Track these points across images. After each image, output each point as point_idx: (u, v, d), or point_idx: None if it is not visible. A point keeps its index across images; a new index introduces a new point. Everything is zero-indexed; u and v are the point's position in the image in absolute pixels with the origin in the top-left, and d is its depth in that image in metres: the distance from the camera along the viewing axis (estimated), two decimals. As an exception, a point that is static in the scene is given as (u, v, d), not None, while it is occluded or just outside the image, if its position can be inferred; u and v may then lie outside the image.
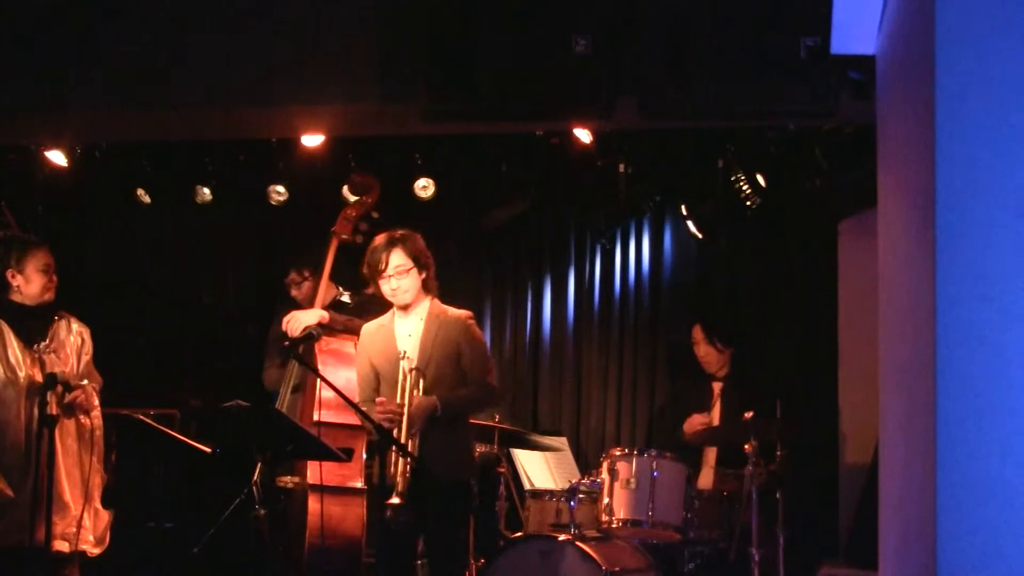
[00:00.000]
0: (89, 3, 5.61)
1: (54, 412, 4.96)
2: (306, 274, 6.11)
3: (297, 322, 5.63)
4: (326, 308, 5.83)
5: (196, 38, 5.51)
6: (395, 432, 4.92)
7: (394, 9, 5.40)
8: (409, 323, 5.14)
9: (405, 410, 4.92)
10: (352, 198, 6.29)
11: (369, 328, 5.25)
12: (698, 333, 6.48)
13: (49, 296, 5.32)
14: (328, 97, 5.57)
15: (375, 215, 6.08)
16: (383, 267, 5.05)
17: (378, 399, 5.02)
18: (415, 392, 5.00)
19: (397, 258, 5.05)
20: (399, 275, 5.05)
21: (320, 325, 5.52)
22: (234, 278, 7.43)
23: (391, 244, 5.07)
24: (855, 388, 6.53)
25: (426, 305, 5.15)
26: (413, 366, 5.02)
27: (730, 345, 6.45)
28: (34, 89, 5.60)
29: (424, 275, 5.11)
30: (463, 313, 5.22)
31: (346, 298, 5.98)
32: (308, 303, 6.05)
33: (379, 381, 5.14)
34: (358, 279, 6.11)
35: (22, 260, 5.27)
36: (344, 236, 5.99)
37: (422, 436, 4.98)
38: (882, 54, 3.51)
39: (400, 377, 5.02)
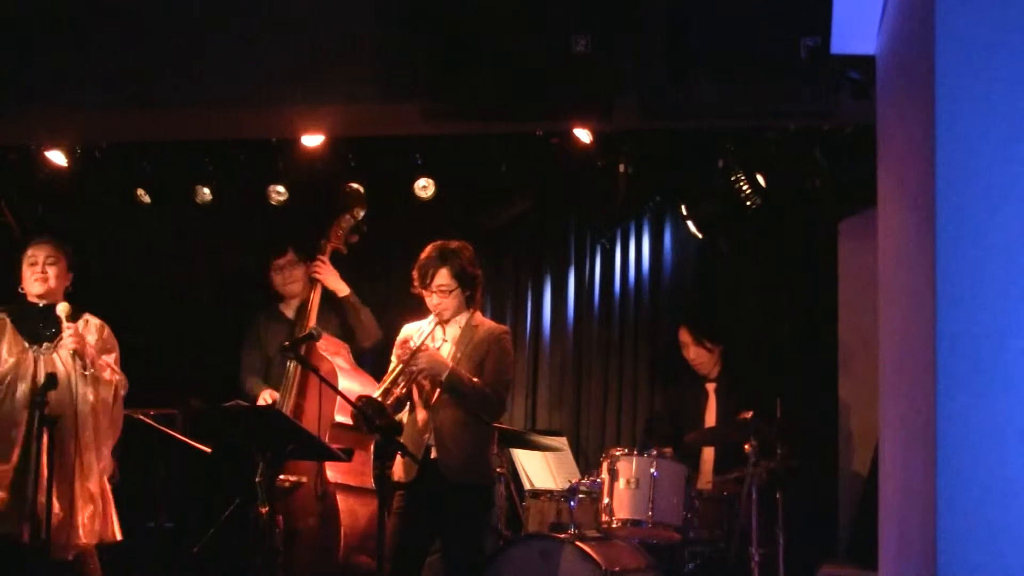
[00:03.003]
0: (89, 3, 5.60)
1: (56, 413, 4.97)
2: (302, 256, 6.23)
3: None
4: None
5: (196, 38, 5.52)
6: (400, 370, 5.02)
7: (394, 9, 5.40)
8: (448, 330, 5.27)
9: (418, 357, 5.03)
10: (345, 207, 6.40)
11: (409, 329, 5.33)
12: (685, 335, 6.46)
13: (41, 289, 5.34)
14: (328, 97, 5.58)
15: (364, 229, 6.34)
16: (428, 281, 5.16)
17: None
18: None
19: (442, 278, 5.16)
20: (441, 293, 5.16)
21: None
22: (234, 278, 7.42)
23: (441, 261, 5.16)
24: (855, 388, 6.52)
25: (466, 316, 5.27)
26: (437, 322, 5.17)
27: (719, 343, 6.42)
28: (34, 89, 5.60)
29: (467, 293, 5.22)
30: (500, 327, 5.38)
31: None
32: (286, 289, 6.21)
33: None
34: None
35: (20, 260, 5.39)
36: (336, 246, 6.26)
37: (439, 439, 5.08)
38: (882, 54, 3.51)
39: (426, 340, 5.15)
